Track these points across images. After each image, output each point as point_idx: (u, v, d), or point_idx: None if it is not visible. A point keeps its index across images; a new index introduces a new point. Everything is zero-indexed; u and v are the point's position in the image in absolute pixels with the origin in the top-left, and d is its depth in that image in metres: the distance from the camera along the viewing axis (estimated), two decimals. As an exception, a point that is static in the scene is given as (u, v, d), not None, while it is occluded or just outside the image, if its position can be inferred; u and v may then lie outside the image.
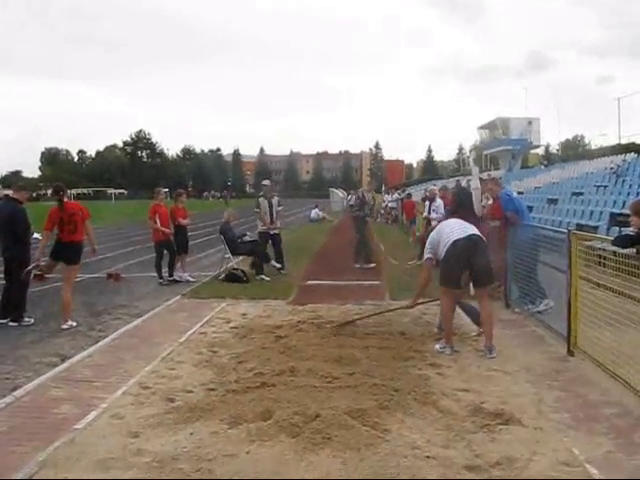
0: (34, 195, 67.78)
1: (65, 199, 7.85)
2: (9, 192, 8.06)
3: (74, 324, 7.56)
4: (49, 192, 78.50)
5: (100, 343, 6.69)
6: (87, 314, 8.30)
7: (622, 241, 5.06)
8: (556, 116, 66.63)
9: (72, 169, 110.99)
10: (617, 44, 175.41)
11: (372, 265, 12.89)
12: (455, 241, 6.15)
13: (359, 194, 14.50)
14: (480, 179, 9.19)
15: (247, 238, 12.15)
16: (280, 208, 12.87)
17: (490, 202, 9.13)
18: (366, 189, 15.04)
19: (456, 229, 6.33)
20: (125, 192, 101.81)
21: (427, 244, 6.69)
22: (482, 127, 55.73)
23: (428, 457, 3.68)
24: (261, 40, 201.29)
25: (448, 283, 6.31)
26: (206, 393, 4.95)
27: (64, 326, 7.46)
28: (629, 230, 6.16)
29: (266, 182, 13.55)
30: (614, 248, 5.39)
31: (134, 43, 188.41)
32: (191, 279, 11.47)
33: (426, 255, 6.63)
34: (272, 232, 12.33)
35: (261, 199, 12.57)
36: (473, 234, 6.27)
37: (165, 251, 11.42)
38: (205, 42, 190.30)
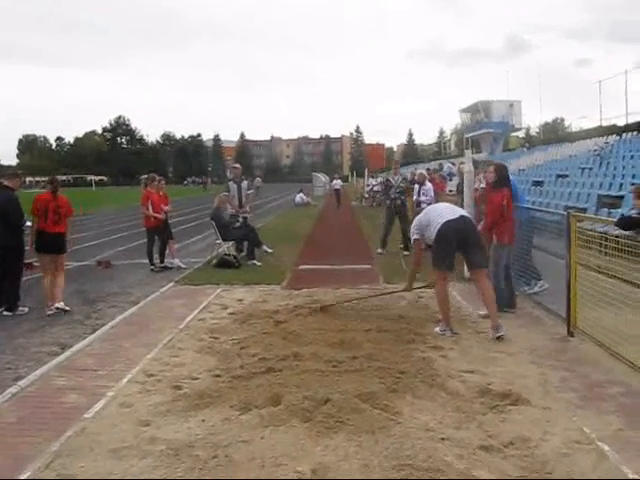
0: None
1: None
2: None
3: (67, 308, 7.58)
4: (27, 180, 77.64)
5: (99, 331, 6.61)
6: (81, 302, 8.21)
7: (626, 223, 5.11)
8: (537, 99, 66.94)
9: (50, 156, 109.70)
10: (596, 27, 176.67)
11: (406, 253, 11.94)
12: (446, 222, 6.16)
13: (384, 180, 14.28)
14: (473, 162, 9.19)
15: (238, 224, 12.05)
16: (250, 192, 12.84)
17: (483, 185, 9.12)
18: (392, 173, 14.67)
19: (446, 211, 6.35)
20: (105, 179, 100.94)
21: (413, 226, 6.73)
22: (464, 110, 55.86)
23: (442, 439, 3.70)
24: (242, 25, 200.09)
25: (441, 265, 6.33)
26: (212, 379, 4.91)
27: (59, 305, 7.52)
28: (633, 212, 6.21)
29: (236, 165, 13.63)
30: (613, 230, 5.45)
31: (113, 28, 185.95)
32: (182, 265, 11.37)
33: (413, 237, 6.66)
34: (242, 216, 12.35)
35: (230, 183, 12.61)
36: (463, 215, 6.30)
37: (156, 237, 11.32)
38: (185, 27, 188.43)
